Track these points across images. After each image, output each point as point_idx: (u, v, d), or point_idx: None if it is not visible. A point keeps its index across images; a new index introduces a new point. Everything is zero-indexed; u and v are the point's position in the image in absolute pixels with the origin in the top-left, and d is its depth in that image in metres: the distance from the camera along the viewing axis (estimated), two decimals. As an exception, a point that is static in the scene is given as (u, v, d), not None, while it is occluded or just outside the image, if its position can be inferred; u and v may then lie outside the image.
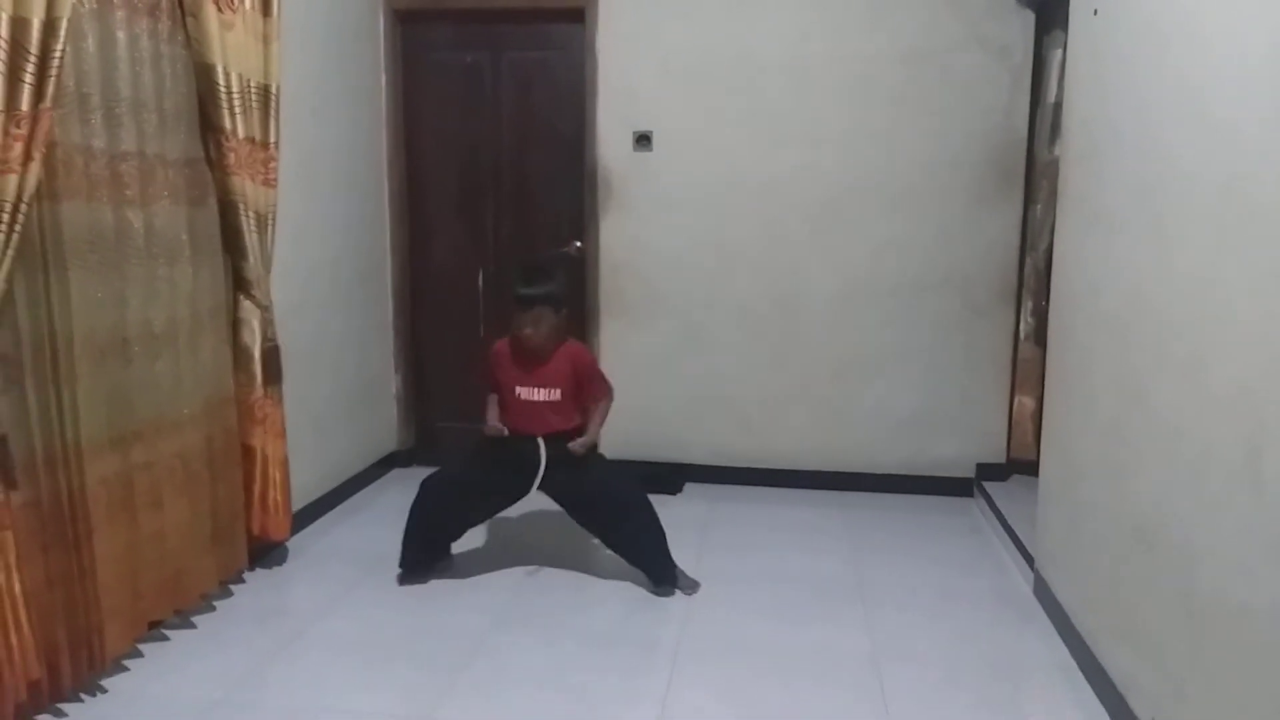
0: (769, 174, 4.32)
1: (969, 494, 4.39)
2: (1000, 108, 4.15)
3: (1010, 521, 3.74)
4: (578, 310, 4.54)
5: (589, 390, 3.30)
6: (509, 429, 3.22)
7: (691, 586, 3.29)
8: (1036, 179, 4.15)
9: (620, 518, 3.32)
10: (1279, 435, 1.72)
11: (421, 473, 4.59)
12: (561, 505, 3.38)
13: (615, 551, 3.37)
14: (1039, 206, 4.13)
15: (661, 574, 3.30)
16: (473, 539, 3.74)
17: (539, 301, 3.16)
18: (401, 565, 3.36)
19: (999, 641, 2.99)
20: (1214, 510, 1.97)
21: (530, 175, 4.57)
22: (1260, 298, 1.80)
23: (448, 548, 3.45)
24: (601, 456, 3.43)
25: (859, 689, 2.64)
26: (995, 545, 3.80)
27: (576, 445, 3.19)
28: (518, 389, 3.23)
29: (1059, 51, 3.80)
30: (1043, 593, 3.17)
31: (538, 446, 3.20)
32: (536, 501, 3.40)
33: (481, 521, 3.53)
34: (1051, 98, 4.00)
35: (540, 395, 3.21)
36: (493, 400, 3.31)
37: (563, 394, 3.23)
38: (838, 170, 4.28)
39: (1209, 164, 2.05)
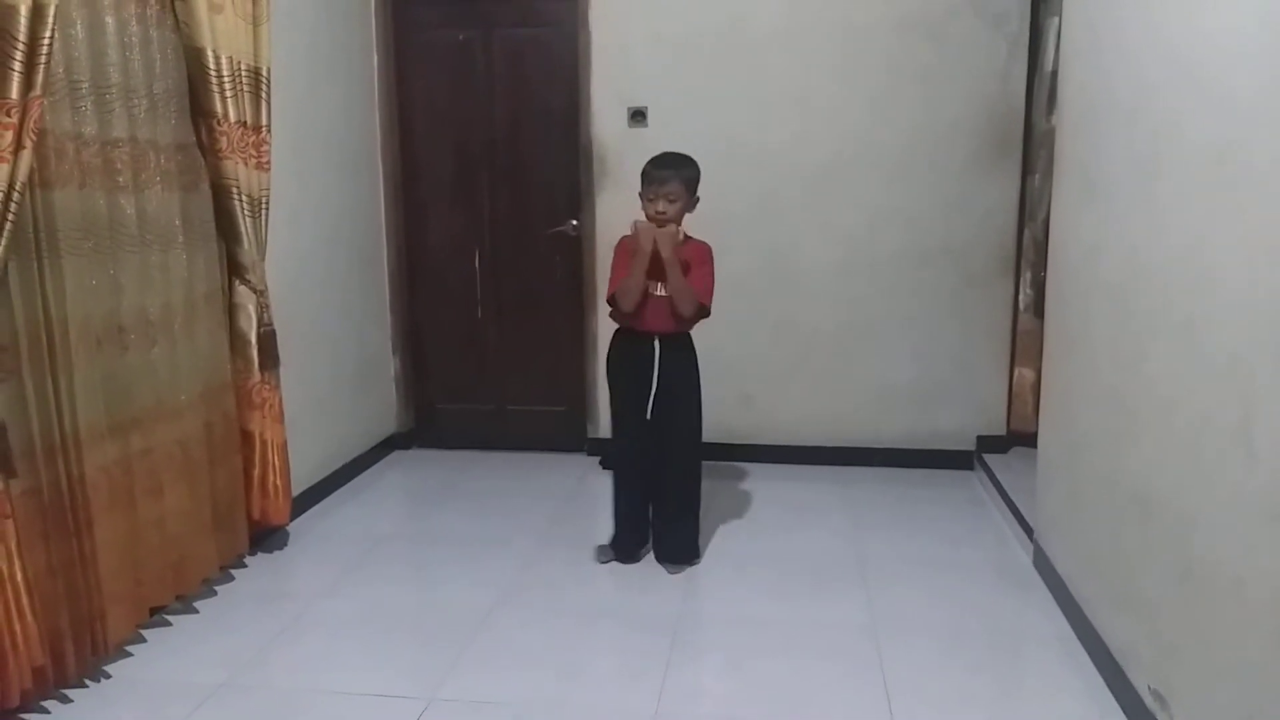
0: (765, 145, 4.30)
1: (969, 467, 4.39)
2: (997, 76, 4.12)
3: (1010, 493, 3.75)
4: (575, 292, 4.55)
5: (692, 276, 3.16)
6: (628, 324, 3.22)
7: (679, 566, 3.29)
8: (1034, 148, 4.12)
9: (674, 472, 3.31)
10: (1269, 402, 1.72)
11: (422, 454, 4.67)
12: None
13: (653, 501, 3.35)
14: (1037, 176, 4.10)
15: (676, 548, 3.32)
16: (475, 518, 3.76)
17: (674, 179, 3.10)
18: (614, 547, 3.36)
19: (998, 613, 3.00)
20: (1208, 478, 1.97)
21: (525, 154, 4.55)
22: (1252, 264, 1.80)
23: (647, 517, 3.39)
24: (698, 396, 3.33)
25: (858, 663, 2.65)
26: (995, 517, 3.81)
27: (665, 231, 3.07)
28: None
29: (1056, 19, 3.77)
30: (1042, 564, 3.18)
31: (654, 350, 3.19)
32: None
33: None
34: (1049, 66, 3.96)
35: (662, 290, 3.15)
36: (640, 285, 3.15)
37: None
38: (834, 140, 4.26)
39: (1203, 131, 2.04)
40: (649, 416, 3.23)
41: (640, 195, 3.16)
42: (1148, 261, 2.33)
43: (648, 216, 3.14)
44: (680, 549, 3.33)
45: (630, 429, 3.31)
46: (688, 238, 3.19)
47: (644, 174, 3.14)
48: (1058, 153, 3.18)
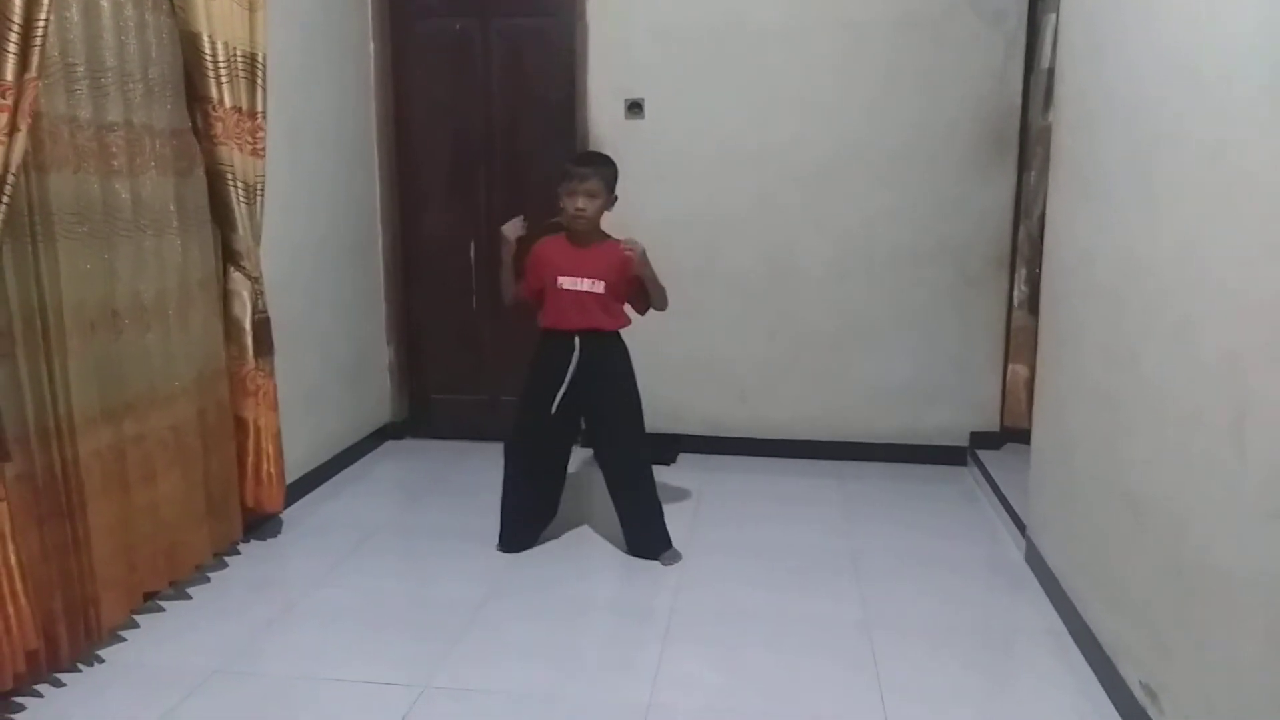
0: (762, 141, 4.30)
1: (963, 463, 4.40)
2: (994, 74, 4.12)
3: (1003, 489, 3.76)
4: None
5: (635, 285, 3.20)
6: (547, 325, 3.20)
7: (672, 558, 3.29)
8: (1031, 146, 4.12)
9: (622, 474, 3.32)
10: (1263, 400, 1.73)
11: (415, 445, 4.67)
12: (587, 431, 3.35)
13: (614, 502, 3.35)
14: (1033, 174, 4.11)
15: (647, 544, 3.31)
16: (468, 509, 3.76)
17: (594, 176, 3.10)
18: (502, 541, 3.36)
19: (990, 608, 3.02)
20: (1201, 476, 1.98)
21: (521, 144, 4.54)
22: (1247, 264, 1.80)
23: (553, 507, 3.41)
24: (633, 393, 3.29)
25: (851, 656, 2.66)
26: (988, 513, 3.82)
27: (630, 243, 3.09)
28: (560, 279, 3.14)
29: (1053, 16, 3.77)
30: (1034, 560, 3.19)
31: (572, 347, 3.16)
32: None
33: (569, 450, 3.42)
34: (1046, 64, 3.97)
35: (584, 285, 3.13)
36: (509, 278, 3.25)
37: (606, 287, 3.15)
38: (831, 137, 4.26)
39: (1199, 131, 2.04)
40: (554, 411, 3.19)
41: (558, 191, 3.14)
42: (1142, 260, 2.34)
43: (566, 212, 3.14)
44: (653, 544, 3.31)
45: (530, 426, 3.29)
46: (608, 236, 3.20)
47: (563, 171, 3.15)
48: (1054, 151, 3.18)
